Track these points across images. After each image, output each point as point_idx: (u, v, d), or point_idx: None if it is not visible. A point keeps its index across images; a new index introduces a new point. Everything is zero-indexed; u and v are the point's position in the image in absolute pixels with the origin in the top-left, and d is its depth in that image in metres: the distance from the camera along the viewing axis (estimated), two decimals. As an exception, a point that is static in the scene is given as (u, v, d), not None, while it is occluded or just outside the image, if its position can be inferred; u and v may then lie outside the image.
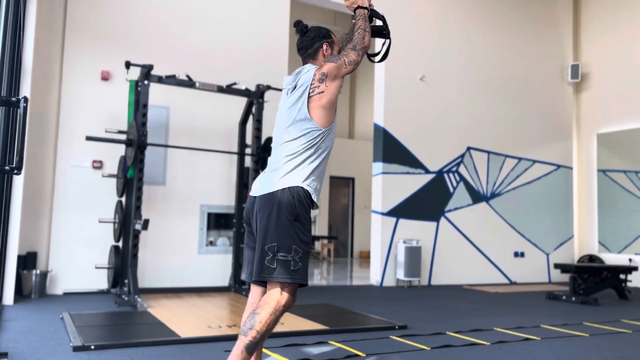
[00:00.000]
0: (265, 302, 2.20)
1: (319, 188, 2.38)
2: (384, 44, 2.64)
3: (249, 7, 6.76)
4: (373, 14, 2.55)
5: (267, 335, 2.20)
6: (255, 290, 2.39)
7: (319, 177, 2.37)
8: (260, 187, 2.35)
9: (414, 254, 7.20)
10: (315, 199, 2.35)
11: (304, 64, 2.50)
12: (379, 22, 2.59)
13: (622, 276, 6.55)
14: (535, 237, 8.60)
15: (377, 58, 2.63)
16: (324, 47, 2.48)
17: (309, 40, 2.50)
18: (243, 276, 2.41)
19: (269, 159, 2.43)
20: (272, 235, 2.22)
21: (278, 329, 3.96)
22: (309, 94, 2.31)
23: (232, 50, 6.61)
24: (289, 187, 2.27)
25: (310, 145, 2.31)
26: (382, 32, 2.57)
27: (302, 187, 2.29)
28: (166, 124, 6.21)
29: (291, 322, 4.24)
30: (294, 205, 2.24)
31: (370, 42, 2.45)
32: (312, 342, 3.62)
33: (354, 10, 2.53)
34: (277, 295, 2.20)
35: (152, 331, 3.80)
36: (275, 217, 2.23)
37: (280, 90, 6.29)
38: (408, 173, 7.63)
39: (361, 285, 7.38)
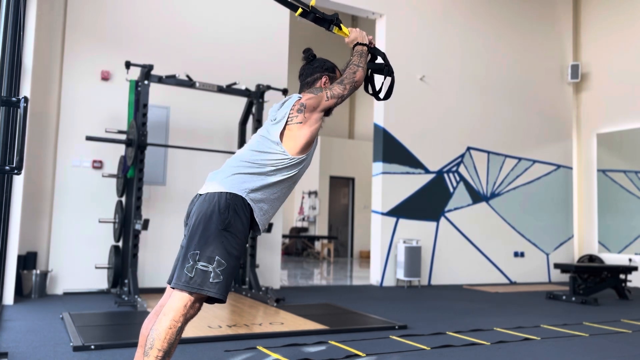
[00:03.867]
0: (164, 314, 2.00)
1: (265, 210, 2.20)
2: (384, 81, 2.56)
3: (249, 7, 6.76)
4: (373, 51, 2.48)
5: (173, 349, 1.99)
6: (169, 291, 2.20)
7: (270, 201, 2.21)
8: (205, 185, 2.19)
9: (413, 254, 7.20)
10: (258, 219, 2.17)
11: (299, 92, 2.43)
12: (380, 60, 2.53)
13: (622, 276, 6.55)
14: (535, 237, 8.60)
15: (381, 95, 2.55)
16: (323, 79, 2.40)
17: (310, 69, 2.43)
18: (168, 279, 2.20)
19: (232, 157, 2.28)
20: (197, 242, 2.05)
21: (278, 329, 3.96)
22: (287, 121, 2.22)
23: (232, 51, 6.61)
24: (228, 192, 2.11)
25: (271, 164, 2.19)
26: (382, 69, 2.49)
27: (244, 198, 2.12)
28: (166, 124, 6.22)
29: (291, 322, 4.24)
30: (228, 213, 2.07)
31: (363, 79, 2.35)
32: (312, 342, 3.62)
33: (353, 47, 2.44)
34: (179, 305, 2.00)
35: (152, 331, 3.79)
36: (204, 223, 2.06)
37: (279, 90, 6.30)
38: (408, 173, 7.63)
39: (361, 285, 7.39)
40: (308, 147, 2.25)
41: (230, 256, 2.07)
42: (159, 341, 1.95)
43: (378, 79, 2.57)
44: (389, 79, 2.52)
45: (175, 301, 2.02)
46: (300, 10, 2.42)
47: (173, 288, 2.07)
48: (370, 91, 2.56)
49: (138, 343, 2.18)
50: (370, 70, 2.50)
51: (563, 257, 8.80)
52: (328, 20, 2.47)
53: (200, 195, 2.18)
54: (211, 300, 2.10)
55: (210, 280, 2.03)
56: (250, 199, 2.14)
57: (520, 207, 8.50)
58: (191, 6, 6.45)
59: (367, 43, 2.44)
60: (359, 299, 5.95)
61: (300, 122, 2.22)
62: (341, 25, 2.49)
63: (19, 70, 4.15)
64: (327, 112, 2.33)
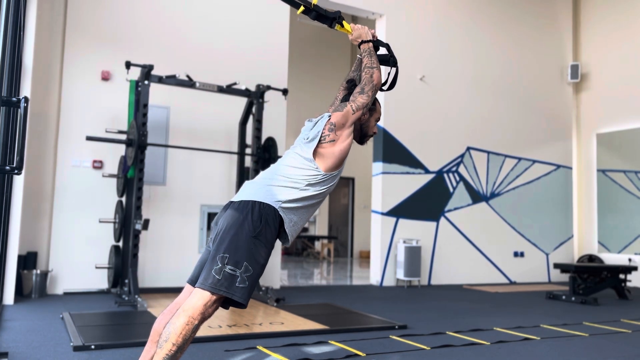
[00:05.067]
0: (184, 310, 2.05)
1: (295, 222, 2.27)
2: (389, 72, 2.60)
3: (249, 7, 6.77)
4: (377, 43, 2.51)
5: (187, 346, 2.03)
6: (187, 290, 2.25)
7: (300, 214, 2.28)
8: (240, 194, 2.27)
9: (413, 254, 7.20)
10: (288, 230, 2.24)
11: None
12: (383, 50, 2.55)
13: (621, 276, 6.55)
14: (535, 237, 8.60)
15: (385, 87, 2.58)
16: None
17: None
18: (188, 278, 2.26)
19: (266, 170, 2.36)
20: (227, 246, 2.10)
21: (278, 328, 3.97)
22: (320, 139, 2.29)
23: (232, 50, 6.61)
24: (262, 202, 2.18)
25: (305, 179, 2.26)
26: (387, 60, 2.53)
27: (275, 209, 2.20)
28: (166, 124, 6.22)
29: (291, 322, 4.24)
30: (260, 222, 2.14)
31: (381, 78, 2.38)
32: (312, 342, 3.62)
33: (359, 46, 2.48)
34: (199, 303, 2.05)
35: (152, 331, 3.79)
36: (236, 228, 2.13)
37: (279, 90, 6.30)
38: (408, 173, 7.63)
39: (361, 285, 7.39)
40: (341, 163, 2.34)
41: (257, 264, 2.14)
42: (175, 336, 1.99)
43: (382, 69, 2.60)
44: (393, 69, 2.54)
45: (196, 299, 2.07)
46: (302, 8, 2.43)
47: (198, 287, 2.10)
48: None
49: (149, 337, 2.22)
50: None
51: (563, 257, 8.80)
52: (330, 18, 2.48)
53: (233, 202, 2.24)
54: (226, 305, 2.16)
55: (237, 284, 2.08)
56: (282, 211, 2.21)
57: (520, 207, 8.50)
58: (191, 6, 6.45)
59: (371, 39, 2.47)
60: (359, 299, 5.95)
61: (333, 141, 2.30)
62: (343, 22, 2.49)
63: (19, 70, 4.16)
64: (363, 138, 2.45)
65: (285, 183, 2.25)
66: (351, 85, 2.53)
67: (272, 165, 2.38)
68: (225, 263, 2.08)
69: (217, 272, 2.07)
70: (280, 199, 2.21)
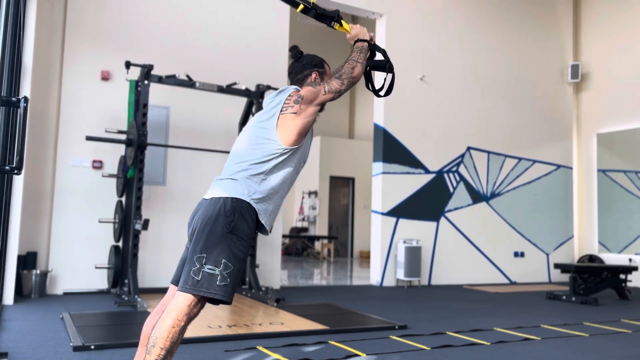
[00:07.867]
0: (168, 312, 2.03)
1: (271, 211, 2.24)
2: (386, 78, 2.58)
3: (249, 7, 6.76)
4: (374, 47, 2.49)
5: (176, 348, 2.01)
6: (172, 290, 2.25)
7: (272, 200, 2.24)
8: (210, 190, 2.23)
9: (414, 254, 7.20)
10: (263, 221, 2.21)
11: None
12: (380, 56, 2.54)
13: (622, 276, 6.55)
14: (535, 237, 8.60)
15: (382, 92, 2.57)
16: (313, 75, 2.43)
17: (300, 67, 2.46)
18: (171, 278, 2.24)
19: (230, 159, 2.31)
20: (203, 245, 2.08)
21: (278, 329, 3.96)
22: (281, 109, 2.24)
23: (232, 50, 6.61)
24: (232, 198, 2.14)
25: (267, 160, 2.21)
26: (383, 66, 2.51)
27: (248, 203, 2.16)
28: (166, 124, 6.22)
29: (291, 322, 4.24)
30: (233, 216, 2.11)
31: (361, 74, 2.36)
32: (312, 342, 3.62)
33: (354, 44, 2.46)
34: (182, 304, 2.03)
35: (152, 331, 3.79)
36: (210, 226, 2.10)
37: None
38: (408, 173, 7.63)
39: (361, 285, 7.39)
40: (300, 138, 2.26)
41: (237, 259, 2.10)
42: (162, 340, 1.97)
43: (378, 75, 2.59)
44: (390, 75, 2.53)
45: (180, 301, 2.05)
46: (301, 6, 2.45)
47: (179, 291, 2.08)
48: (371, 88, 2.58)
49: (140, 341, 2.20)
50: (369, 67, 2.52)
51: (563, 257, 8.80)
52: (329, 17, 2.50)
53: (206, 199, 2.21)
54: (216, 301, 2.13)
55: (218, 282, 2.05)
56: (254, 202, 2.17)
57: (520, 207, 8.50)
58: (191, 6, 6.45)
59: (368, 39, 2.46)
60: (359, 299, 5.95)
61: (295, 113, 2.23)
62: (342, 21, 2.51)
63: (19, 70, 4.16)
64: (322, 107, 2.36)
65: (250, 171, 2.20)
66: (296, 53, 2.49)
67: (233, 149, 2.30)
68: (203, 263, 2.06)
69: (196, 273, 2.05)
70: (250, 191, 2.17)
